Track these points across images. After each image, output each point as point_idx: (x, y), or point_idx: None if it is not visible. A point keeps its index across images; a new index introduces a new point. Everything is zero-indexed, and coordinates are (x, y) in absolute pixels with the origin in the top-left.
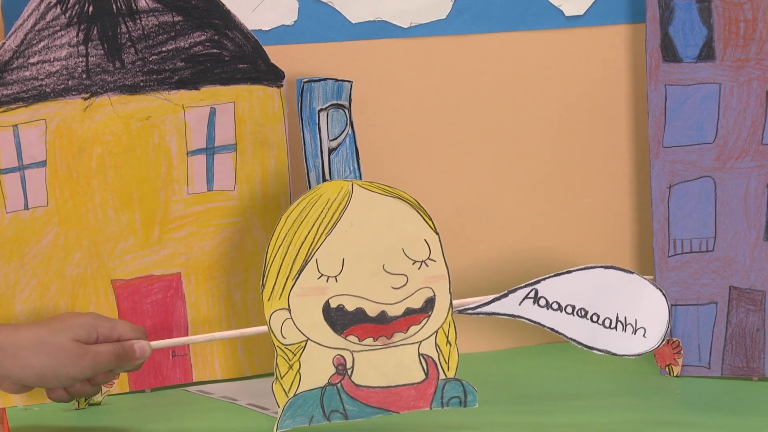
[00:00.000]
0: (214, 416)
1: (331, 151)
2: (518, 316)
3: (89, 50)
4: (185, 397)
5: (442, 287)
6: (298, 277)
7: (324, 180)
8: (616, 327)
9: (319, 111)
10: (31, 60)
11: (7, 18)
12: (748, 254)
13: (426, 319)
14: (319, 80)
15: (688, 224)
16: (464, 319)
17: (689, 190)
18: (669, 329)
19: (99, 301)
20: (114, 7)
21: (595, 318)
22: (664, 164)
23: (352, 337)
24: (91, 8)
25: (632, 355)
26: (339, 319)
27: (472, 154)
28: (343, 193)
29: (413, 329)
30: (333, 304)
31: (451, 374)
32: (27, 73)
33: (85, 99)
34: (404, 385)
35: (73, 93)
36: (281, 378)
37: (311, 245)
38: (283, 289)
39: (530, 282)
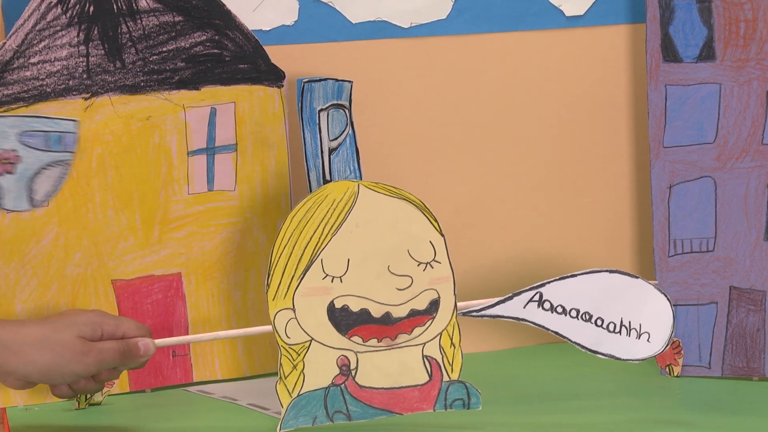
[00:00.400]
0: (215, 416)
1: (331, 151)
2: (522, 319)
3: (90, 50)
4: (185, 397)
5: (446, 289)
6: (303, 277)
7: (324, 180)
8: (620, 331)
9: (320, 111)
10: (32, 60)
11: (8, 18)
12: (749, 254)
13: (430, 320)
14: (320, 80)
15: (688, 224)
16: (465, 320)
17: (689, 190)
18: (673, 334)
19: (99, 301)
20: (115, 7)
21: (599, 322)
22: (665, 164)
23: (356, 338)
24: (91, 8)
25: (636, 360)
26: (343, 320)
27: (472, 154)
28: (349, 194)
29: (417, 331)
30: (338, 305)
31: (454, 376)
32: (28, 73)
33: (86, 99)
34: (408, 386)
35: (74, 93)
36: (285, 378)
37: (317, 245)
38: (288, 288)
39: (535, 285)
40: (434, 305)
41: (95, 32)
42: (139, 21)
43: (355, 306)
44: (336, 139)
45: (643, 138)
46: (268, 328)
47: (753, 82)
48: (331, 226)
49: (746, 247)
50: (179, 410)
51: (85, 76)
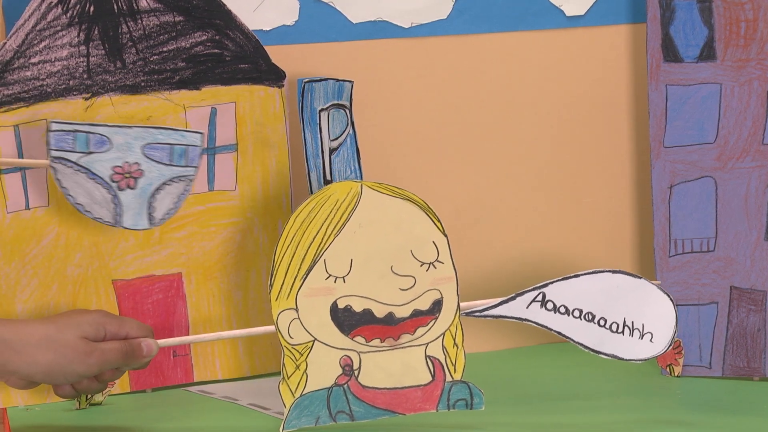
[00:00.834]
0: (215, 416)
1: (332, 151)
2: (525, 320)
3: (90, 50)
4: (186, 397)
5: (449, 289)
6: (306, 278)
7: (325, 180)
8: (623, 331)
9: (320, 111)
10: (32, 60)
11: (8, 18)
12: (749, 254)
13: (433, 320)
14: (320, 80)
15: (688, 224)
16: (466, 320)
17: (690, 190)
18: (676, 334)
19: (100, 301)
20: (115, 7)
21: (602, 322)
22: (665, 164)
23: (359, 338)
24: (92, 8)
25: (639, 360)
26: (346, 320)
27: (473, 154)
28: (352, 194)
29: (420, 331)
30: (340, 305)
31: (457, 376)
32: (28, 73)
33: (86, 99)
34: (411, 386)
35: (74, 93)
36: (288, 378)
37: (320, 245)
38: (291, 289)
39: (538, 285)
40: (437, 305)
41: (96, 32)
42: (139, 21)
43: (358, 306)
44: (337, 139)
45: (644, 138)
46: (271, 328)
47: (753, 82)
48: (335, 227)
49: (747, 247)
50: (180, 410)
51: (85, 76)
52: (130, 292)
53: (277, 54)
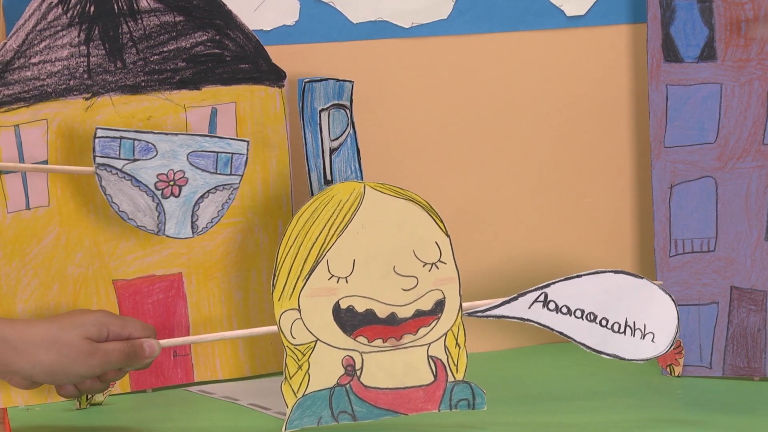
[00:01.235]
0: (216, 416)
1: (332, 151)
2: (527, 320)
3: (90, 50)
4: (187, 397)
5: (452, 289)
6: (308, 278)
7: (326, 180)
8: (624, 332)
9: (321, 111)
10: (33, 60)
11: (9, 18)
12: (750, 254)
13: (435, 321)
14: (321, 80)
15: (689, 224)
16: (467, 320)
17: (690, 190)
18: (677, 334)
19: (100, 301)
20: (115, 7)
21: (604, 322)
22: (666, 164)
23: (361, 338)
24: (92, 8)
25: (640, 360)
26: (349, 320)
27: (473, 154)
28: (355, 195)
29: (423, 331)
30: (343, 305)
31: (459, 377)
32: (28, 73)
33: (87, 99)
34: (413, 387)
35: (75, 93)
36: (290, 378)
37: (322, 246)
38: (294, 289)
39: (540, 285)
40: (439, 306)
41: (96, 32)
42: (139, 21)
43: (360, 306)
44: (337, 139)
45: (644, 138)
46: (273, 328)
47: (754, 82)
48: (337, 227)
49: (747, 247)
50: (180, 410)
51: (85, 76)
52: (130, 292)
53: (277, 54)
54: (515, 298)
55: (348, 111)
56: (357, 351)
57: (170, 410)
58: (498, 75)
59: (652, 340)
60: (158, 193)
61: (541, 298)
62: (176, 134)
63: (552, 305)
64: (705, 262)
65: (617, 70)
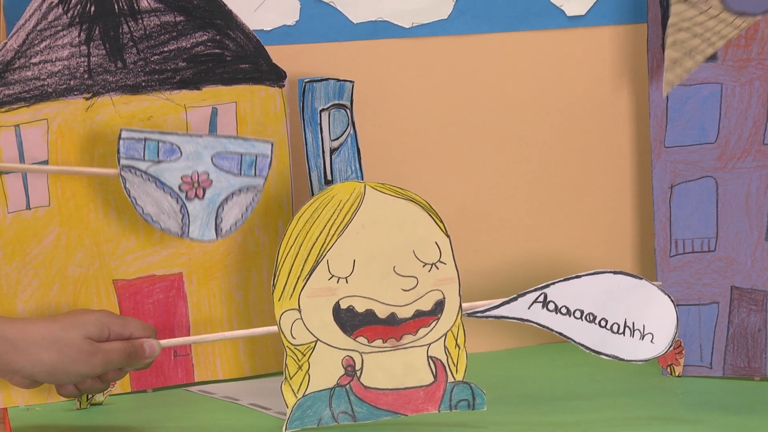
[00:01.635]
0: (216, 416)
1: (332, 151)
2: (527, 320)
3: (91, 50)
4: (187, 397)
5: (451, 290)
6: (309, 278)
7: (326, 180)
8: (623, 332)
9: (321, 111)
10: (33, 60)
11: (9, 18)
12: (750, 254)
13: (435, 321)
14: (321, 80)
15: (689, 224)
16: (466, 319)
17: (691, 190)
18: (676, 335)
19: (101, 301)
20: (116, 7)
21: (603, 323)
22: (666, 164)
23: (361, 339)
24: (92, 8)
25: (640, 361)
26: (349, 320)
27: (473, 154)
28: (355, 195)
29: (422, 331)
30: (343, 305)
31: (459, 377)
32: (29, 73)
33: (87, 99)
34: (413, 387)
35: (75, 93)
36: (290, 378)
37: (323, 246)
38: (294, 289)
39: (539, 286)
40: (439, 306)
41: (96, 32)
42: (140, 21)
43: (360, 307)
44: (337, 139)
45: (645, 138)
46: (274, 328)
47: (754, 82)
48: (338, 227)
49: (748, 247)
50: (180, 410)
51: (86, 76)
52: (131, 292)
53: (277, 54)
54: (515, 299)
55: (348, 111)
56: (357, 351)
57: (170, 410)
58: (498, 75)
59: (651, 341)
60: (182, 195)
61: (541, 298)
62: (200, 136)
63: (551, 306)
64: (705, 262)
65: (617, 70)
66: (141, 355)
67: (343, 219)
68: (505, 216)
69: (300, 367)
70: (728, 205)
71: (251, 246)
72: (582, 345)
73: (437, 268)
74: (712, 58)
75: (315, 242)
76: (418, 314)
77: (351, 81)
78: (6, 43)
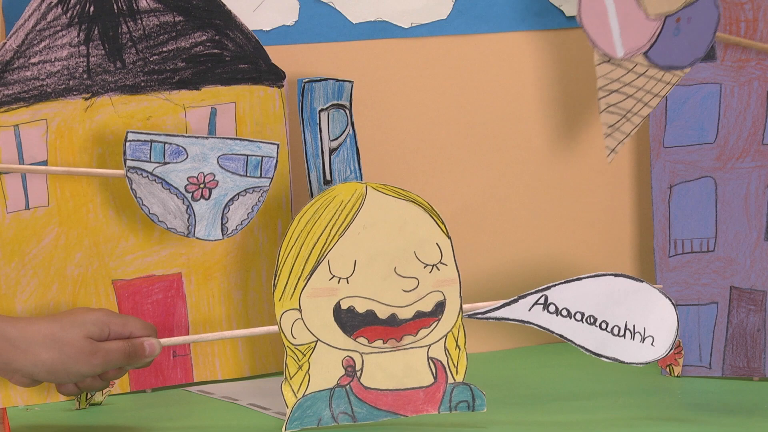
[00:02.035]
0: (215, 416)
1: (332, 151)
2: (528, 322)
3: (90, 50)
4: (186, 397)
5: (452, 291)
6: (309, 278)
7: (325, 180)
8: (624, 335)
9: (320, 111)
10: (32, 60)
11: (8, 18)
12: (749, 254)
13: (436, 322)
14: (320, 80)
15: (688, 224)
16: (466, 320)
17: (690, 190)
18: (677, 338)
19: (100, 301)
20: (115, 7)
21: (603, 325)
22: (665, 164)
23: (361, 339)
24: (92, 8)
25: (640, 364)
26: (349, 321)
27: (472, 155)
28: (356, 195)
29: (423, 332)
30: (344, 306)
31: (459, 378)
32: (28, 73)
33: (86, 99)
34: (413, 388)
35: (74, 93)
36: (290, 378)
37: (324, 246)
38: (295, 289)
39: (540, 288)
40: (440, 307)
41: (95, 32)
42: (139, 21)
43: (361, 307)
44: (336, 139)
45: (644, 138)
46: (274, 328)
47: (753, 82)
48: (339, 228)
49: (747, 248)
50: (180, 410)
51: (85, 76)
52: (130, 292)
53: (277, 54)
54: (515, 300)
55: (347, 111)
56: (357, 352)
57: (170, 410)
58: (498, 75)
59: (652, 344)
60: (188, 195)
61: (542, 300)
62: (206, 137)
63: (552, 308)
64: (704, 262)
65: None
66: (141, 354)
67: (345, 219)
68: (504, 216)
69: (300, 367)
70: (727, 205)
71: (250, 246)
72: (582, 347)
73: (438, 270)
74: (711, 57)
75: (316, 242)
76: (419, 315)
77: (350, 81)
78: (5, 44)
